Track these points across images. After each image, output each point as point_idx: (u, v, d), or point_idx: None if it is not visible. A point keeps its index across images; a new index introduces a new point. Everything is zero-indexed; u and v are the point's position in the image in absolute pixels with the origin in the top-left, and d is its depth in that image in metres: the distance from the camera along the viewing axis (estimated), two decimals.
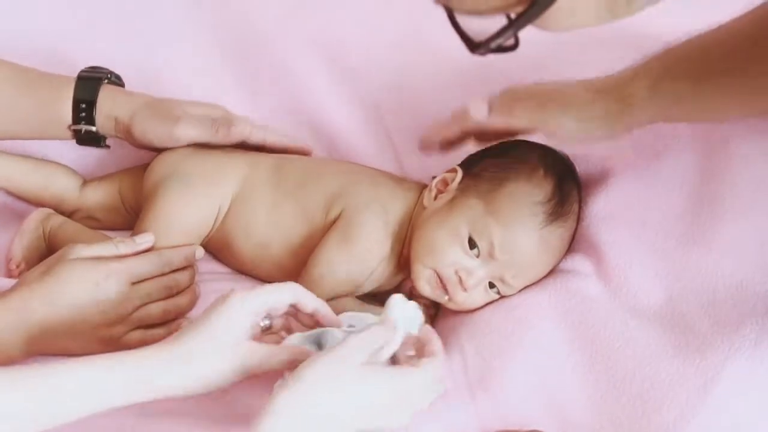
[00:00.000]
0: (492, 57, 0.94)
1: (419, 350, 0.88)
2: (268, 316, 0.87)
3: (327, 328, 0.88)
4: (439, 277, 0.99)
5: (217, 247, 1.10)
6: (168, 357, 0.83)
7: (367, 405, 0.84)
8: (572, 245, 1.06)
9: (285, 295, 0.87)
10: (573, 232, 1.04)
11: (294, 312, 0.89)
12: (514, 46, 0.76)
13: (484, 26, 0.73)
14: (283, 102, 1.25)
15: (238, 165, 1.09)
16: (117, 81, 1.10)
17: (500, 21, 0.72)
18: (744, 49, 0.97)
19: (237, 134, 1.09)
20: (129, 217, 1.12)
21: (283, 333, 0.91)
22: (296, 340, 0.87)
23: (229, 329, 0.84)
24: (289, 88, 1.27)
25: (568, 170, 1.04)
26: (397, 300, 0.88)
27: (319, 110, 1.26)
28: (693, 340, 0.95)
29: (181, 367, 0.83)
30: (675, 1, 0.94)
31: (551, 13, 0.71)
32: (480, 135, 1.10)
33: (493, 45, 0.73)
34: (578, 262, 1.06)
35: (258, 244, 1.07)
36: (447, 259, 1.00)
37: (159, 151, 1.09)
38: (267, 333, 0.88)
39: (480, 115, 1.05)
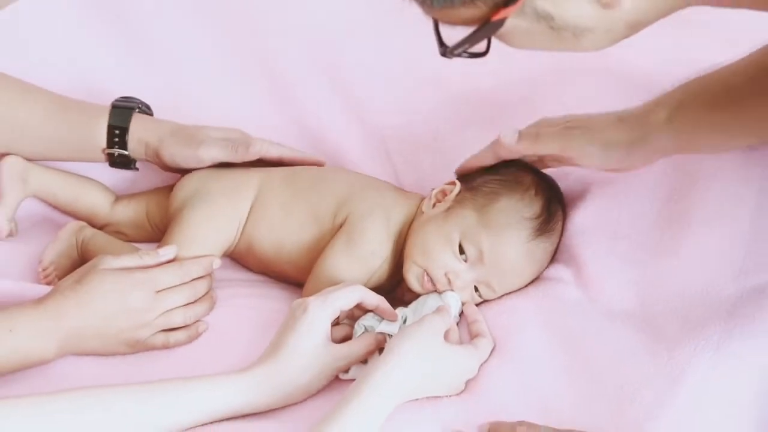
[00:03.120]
0: (488, 85, 1.02)
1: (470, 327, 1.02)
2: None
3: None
4: (429, 276, 1.04)
5: (240, 252, 1.15)
6: (263, 374, 0.93)
7: (445, 375, 0.96)
8: (554, 256, 1.10)
9: (354, 295, 0.98)
10: (556, 246, 1.09)
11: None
12: (484, 53, 0.84)
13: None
14: (292, 124, 1.30)
15: (253, 180, 1.14)
16: (146, 110, 1.16)
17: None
18: (759, 79, 1.01)
19: (254, 152, 1.14)
20: (153, 232, 1.18)
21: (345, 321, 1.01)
22: (368, 321, 0.99)
23: (312, 335, 0.95)
24: (299, 113, 1.32)
25: (556, 192, 1.10)
26: (451, 292, 1.02)
27: (325, 132, 1.30)
28: (662, 341, 1.00)
29: (276, 380, 0.93)
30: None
31: (508, 32, 0.79)
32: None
33: (459, 51, 0.81)
34: (559, 271, 1.10)
35: (273, 246, 1.13)
36: (437, 261, 1.04)
37: (184, 172, 1.15)
38: (333, 325, 0.97)
39: (508, 140, 1.08)
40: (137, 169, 1.18)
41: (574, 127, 1.06)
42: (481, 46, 0.84)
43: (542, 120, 1.07)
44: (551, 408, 0.98)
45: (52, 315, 0.96)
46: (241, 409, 0.93)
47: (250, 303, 1.13)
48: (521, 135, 1.08)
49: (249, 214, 1.13)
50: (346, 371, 0.98)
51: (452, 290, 1.04)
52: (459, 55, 0.83)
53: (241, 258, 1.17)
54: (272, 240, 1.13)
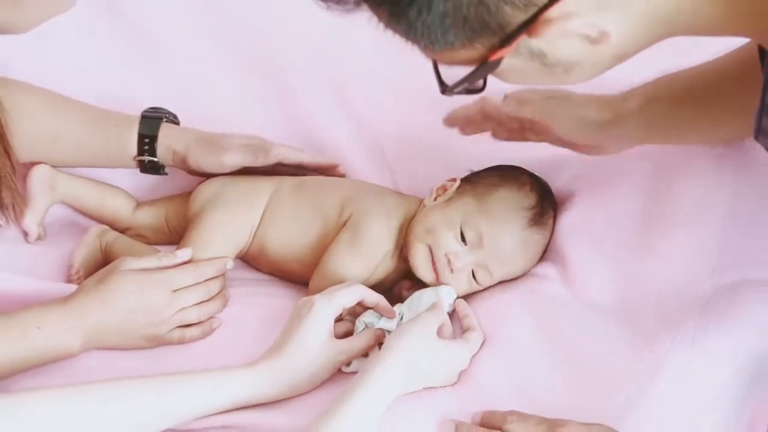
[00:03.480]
0: (485, 93, 1.03)
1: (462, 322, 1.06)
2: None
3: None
4: (432, 255, 1.08)
5: (252, 254, 1.20)
6: (270, 368, 0.97)
7: (439, 368, 0.99)
8: (543, 254, 1.13)
9: (356, 294, 1.03)
10: (547, 242, 1.13)
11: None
12: (481, 89, 0.86)
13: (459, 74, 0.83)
14: (296, 133, 1.32)
15: (266, 188, 1.19)
16: (173, 119, 1.20)
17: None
18: (715, 83, 1.05)
19: (274, 157, 1.18)
20: (172, 236, 1.22)
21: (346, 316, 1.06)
22: (368, 317, 1.04)
23: (316, 331, 0.99)
24: (305, 123, 1.35)
25: (548, 192, 1.14)
26: (445, 287, 1.06)
27: (325, 140, 1.33)
28: (642, 335, 1.03)
29: (283, 373, 0.97)
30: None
31: (504, 70, 0.81)
32: (496, 127, 1.17)
33: (460, 89, 0.84)
34: (546, 269, 1.14)
35: (283, 247, 1.17)
36: (440, 240, 1.08)
37: (209, 176, 1.19)
38: (336, 321, 1.02)
39: (494, 99, 1.11)
40: (166, 173, 1.22)
41: (555, 97, 1.10)
42: (477, 83, 0.87)
43: (527, 88, 1.10)
44: (540, 398, 1.00)
45: (77, 313, 1.00)
46: (250, 400, 0.97)
47: (260, 301, 1.16)
48: (506, 97, 1.12)
49: (261, 219, 1.17)
50: (348, 365, 1.02)
51: (451, 272, 1.07)
52: (458, 93, 0.85)
53: (252, 259, 1.21)
54: (282, 242, 1.17)
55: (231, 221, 1.16)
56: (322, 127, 1.34)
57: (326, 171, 1.24)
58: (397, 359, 0.96)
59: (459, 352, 1.02)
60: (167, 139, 1.18)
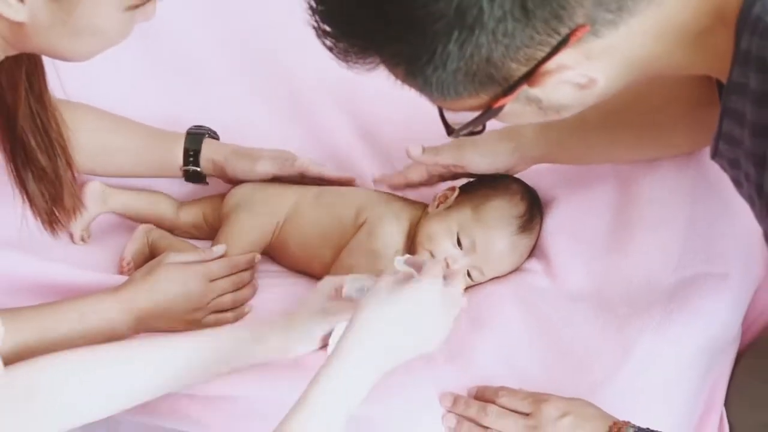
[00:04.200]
0: None
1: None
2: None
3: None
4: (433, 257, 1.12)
5: (276, 250, 1.27)
6: (279, 328, 1.02)
7: (403, 319, 0.91)
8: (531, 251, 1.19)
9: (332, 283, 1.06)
10: (534, 244, 1.19)
11: None
12: (481, 131, 0.88)
13: (461, 117, 0.84)
14: (315, 150, 1.38)
15: (290, 194, 1.27)
16: (214, 134, 1.30)
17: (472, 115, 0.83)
18: (634, 105, 1.09)
19: (298, 167, 1.27)
20: (210, 231, 1.29)
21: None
22: (359, 282, 1.04)
23: (316, 300, 1.05)
24: (322, 140, 1.40)
25: (537, 200, 1.20)
26: (398, 258, 0.99)
27: (338, 151, 1.39)
28: (614, 322, 1.08)
29: (280, 335, 1.01)
30: None
31: (504, 114, 0.82)
32: (430, 177, 1.23)
33: (466, 132, 0.85)
34: (532, 264, 1.20)
35: (303, 244, 1.24)
36: (440, 247, 1.14)
37: (242, 183, 1.28)
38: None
39: (415, 153, 1.18)
40: (207, 183, 1.30)
41: (464, 142, 1.16)
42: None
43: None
44: (526, 375, 1.05)
45: (128, 299, 1.07)
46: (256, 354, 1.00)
47: (283, 290, 1.22)
48: (425, 149, 1.19)
49: (285, 221, 1.24)
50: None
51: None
52: (463, 135, 0.86)
53: (277, 255, 1.28)
54: (304, 242, 1.24)
55: (258, 221, 1.23)
56: (339, 144, 1.39)
57: (344, 183, 1.30)
58: (361, 333, 0.89)
59: (415, 292, 0.92)
60: (208, 152, 1.27)
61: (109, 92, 1.31)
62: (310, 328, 1.02)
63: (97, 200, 1.26)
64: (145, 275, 1.11)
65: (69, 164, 1.08)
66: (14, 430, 0.85)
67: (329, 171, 1.30)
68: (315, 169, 1.29)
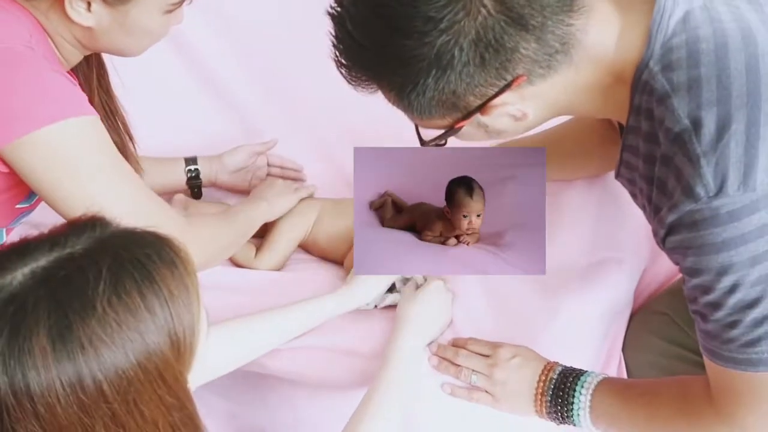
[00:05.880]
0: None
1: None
2: None
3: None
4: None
5: (308, 244, 1.49)
6: (345, 291, 1.26)
7: (429, 312, 1.21)
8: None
9: None
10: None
11: None
12: (444, 144, 0.97)
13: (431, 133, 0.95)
14: (315, 158, 1.57)
15: (316, 203, 1.48)
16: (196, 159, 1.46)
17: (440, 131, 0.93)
18: (581, 138, 1.26)
19: (262, 158, 1.49)
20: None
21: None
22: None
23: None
24: (331, 162, 1.60)
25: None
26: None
27: (344, 161, 1.54)
28: (547, 291, 1.25)
29: (354, 291, 1.26)
30: None
31: (461, 134, 0.94)
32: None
33: (433, 144, 0.96)
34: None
35: (328, 239, 1.46)
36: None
37: (238, 189, 1.48)
38: None
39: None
40: (200, 197, 1.48)
41: None
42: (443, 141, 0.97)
43: None
44: (486, 330, 1.23)
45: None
46: (336, 310, 1.23)
47: (315, 269, 1.45)
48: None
49: (315, 223, 1.46)
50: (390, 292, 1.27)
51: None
52: (432, 145, 0.97)
53: (309, 249, 1.50)
54: (328, 235, 1.46)
55: (294, 224, 1.47)
56: (336, 149, 1.56)
57: (295, 173, 1.52)
58: (408, 329, 1.16)
59: (424, 293, 1.20)
60: (206, 169, 1.47)
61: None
62: (373, 283, 1.28)
63: (179, 209, 1.46)
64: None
65: (131, 139, 1.25)
66: None
67: (288, 161, 1.52)
68: (276, 160, 1.52)
